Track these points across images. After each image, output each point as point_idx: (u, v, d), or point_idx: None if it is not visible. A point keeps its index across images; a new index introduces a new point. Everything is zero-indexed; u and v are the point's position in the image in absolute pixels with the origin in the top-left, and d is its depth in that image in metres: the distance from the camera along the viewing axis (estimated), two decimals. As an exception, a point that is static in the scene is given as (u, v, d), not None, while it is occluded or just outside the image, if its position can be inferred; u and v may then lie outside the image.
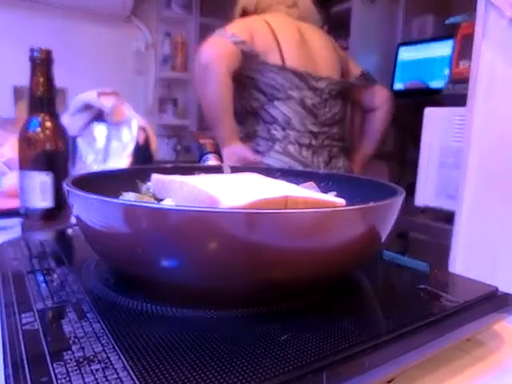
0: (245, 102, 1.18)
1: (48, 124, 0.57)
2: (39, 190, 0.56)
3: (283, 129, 1.14)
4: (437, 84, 1.94)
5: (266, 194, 0.32)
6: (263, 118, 1.15)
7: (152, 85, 2.68)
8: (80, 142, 0.94)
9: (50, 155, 0.57)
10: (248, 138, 1.18)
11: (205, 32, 2.68)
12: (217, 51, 1.01)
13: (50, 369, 0.23)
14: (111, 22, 2.50)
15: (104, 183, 0.42)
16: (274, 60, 1.12)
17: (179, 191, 0.37)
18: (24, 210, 0.57)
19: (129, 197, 0.40)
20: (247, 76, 1.13)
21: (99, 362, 0.23)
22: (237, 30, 1.08)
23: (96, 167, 0.90)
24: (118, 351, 0.24)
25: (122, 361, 0.23)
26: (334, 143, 1.24)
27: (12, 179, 0.83)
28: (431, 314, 0.31)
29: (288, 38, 1.16)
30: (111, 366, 0.23)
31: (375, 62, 2.33)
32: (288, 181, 0.45)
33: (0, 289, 0.33)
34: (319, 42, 1.23)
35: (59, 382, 0.21)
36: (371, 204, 0.30)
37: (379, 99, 1.34)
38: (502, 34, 0.82)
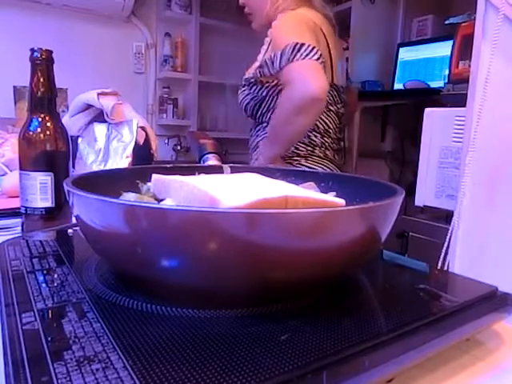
0: None
1: (48, 124, 0.57)
2: (39, 190, 0.56)
3: (322, 136, 1.18)
4: (437, 84, 1.95)
5: (266, 194, 0.32)
6: None
7: (152, 85, 2.68)
8: (80, 142, 0.94)
9: (50, 155, 0.57)
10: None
11: (205, 32, 2.70)
12: (324, 86, 0.97)
13: (51, 368, 0.23)
14: (111, 22, 2.50)
15: (104, 183, 0.42)
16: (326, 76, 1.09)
17: (179, 191, 0.37)
18: (24, 210, 0.57)
19: (129, 197, 0.40)
20: None
21: (99, 361, 0.23)
22: (313, 42, 1.02)
23: (96, 167, 0.90)
24: (118, 351, 0.24)
25: (122, 360, 0.23)
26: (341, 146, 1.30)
27: (12, 179, 0.83)
28: (431, 314, 0.31)
29: (336, 53, 1.17)
30: (111, 366, 0.23)
31: (375, 61, 2.33)
32: (288, 181, 0.45)
33: (0, 289, 0.33)
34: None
35: (59, 381, 0.22)
36: (371, 204, 0.30)
37: (350, 97, 1.38)
38: (502, 34, 0.82)
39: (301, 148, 1.16)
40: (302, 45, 0.97)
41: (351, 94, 1.41)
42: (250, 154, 1.27)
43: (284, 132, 1.05)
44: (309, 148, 1.17)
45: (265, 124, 1.19)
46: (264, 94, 1.15)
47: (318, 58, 0.98)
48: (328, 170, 1.17)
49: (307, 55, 0.97)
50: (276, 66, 1.01)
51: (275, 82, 1.12)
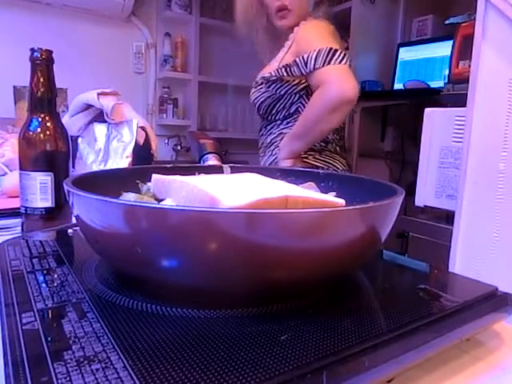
0: (302, 104, 1.23)
1: (48, 124, 0.57)
2: (39, 190, 0.56)
3: (333, 133, 1.25)
4: (437, 84, 1.95)
5: (266, 194, 0.32)
6: None
7: (152, 85, 2.68)
8: (80, 142, 0.94)
9: (50, 155, 0.57)
10: None
11: (205, 32, 2.70)
12: (357, 89, 1.06)
13: (51, 368, 0.23)
14: (111, 22, 2.50)
15: (104, 183, 0.42)
16: None
17: (179, 191, 0.37)
18: (24, 210, 0.57)
19: (129, 197, 0.40)
20: None
21: (99, 361, 0.23)
22: (342, 49, 1.11)
23: (96, 167, 0.90)
24: (118, 351, 0.24)
25: (122, 360, 0.23)
26: None
27: (12, 179, 0.83)
28: (431, 314, 0.31)
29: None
30: (111, 366, 0.23)
31: (375, 61, 2.33)
32: (288, 181, 0.45)
33: (0, 289, 0.33)
34: None
35: (59, 381, 0.22)
36: (371, 204, 0.30)
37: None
38: (502, 34, 0.82)
39: (315, 143, 1.23)
40: (336, 50, 1.05)
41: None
42: (261, 152, 1.33)
43: (314, 128, 1.10)
44: (322, 143, 1.24)
45: (279, 122, 1.24)
46: (282, 92, 1.20)
47: (350, 65, 1.09)
48: (340, 164, 1.24)
49: (341, 60, 1.06)
50: (310, 66, 1.06)
51: (296, 81, 1.17)
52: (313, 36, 1.13)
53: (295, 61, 1.11)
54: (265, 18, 1.29)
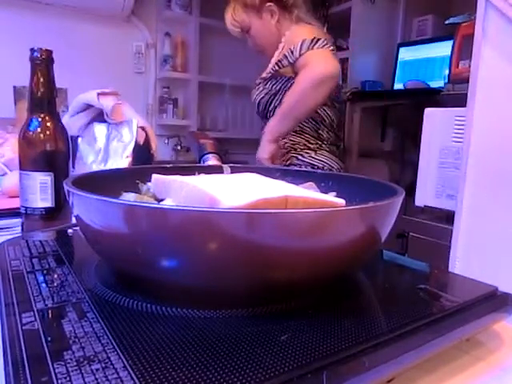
0: None
1: (48, 124, 0.57)
2: (39, 190, 0.56)
3: (328, 131, 1.29)
4: (437, 84, 1.94)
5: (266, 194, 0.32)
6: (313, 117, 1.27)
7: (152, 85, 2.68)
8: (80, 142, 0.94)
9: (50, 155, 0.57)
10: (294, 132, 1.28)
11: (205, 32, 2.70)
12: (338, 68, 1.15)
13: (51, 368, 0.23)
14: (111, 22, 2.50)
15: (104, 183, 0.42)
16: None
17: (179, 191, 0.37)
18: (24, 210, 0.57)
19: (129, 197, 0.40)
20: None
21: (99, 361, 0.23)
22: (330, 42, 1.21)
23: (96, 167, 0.90)
24: (118, 351, 0.24)
25: (122, 360, 0.23)
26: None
27: (12, 179, 0.83)
28: (431, 314, 0.31)
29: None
30: (111, 366, 0.23)
31: (375, 61, 2.33)
32: (288, 181, 0.45)
33: (0, 289, 0.33)
34: None
35: (59, 381, 0.22)
36: (371, 204, 0.30)
37: None
38: (502, 34, 0.82)
39: (311, 141, 1.28)
40: (319, 39, 1.14)
41: None
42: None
43: (298, 106, 1.16)
44: (318, 142, 1.28)
45: None
46: (278, 87, 1.26)
47: (333, 50, 1.18)
48: (335, 163, 1.28)
49: (324, 46, 1.15)
50: (296, 53, 1.15)
51: (289, 75, 1.24)
52: (300, 33, 1.22)
53: (285, 54, 1.20)
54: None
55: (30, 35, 2.19)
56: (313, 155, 1.26)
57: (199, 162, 0.89)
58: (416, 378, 0.29)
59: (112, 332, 0.26)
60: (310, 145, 1.27)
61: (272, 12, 1.27)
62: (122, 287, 0.33)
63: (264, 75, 1.31)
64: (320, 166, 1.25)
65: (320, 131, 1.28)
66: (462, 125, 0.96)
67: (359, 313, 0.32)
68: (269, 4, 1.27)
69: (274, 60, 1.29)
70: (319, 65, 1.12)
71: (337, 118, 1.32)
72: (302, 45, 1.15)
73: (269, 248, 0.28)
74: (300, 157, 1.26)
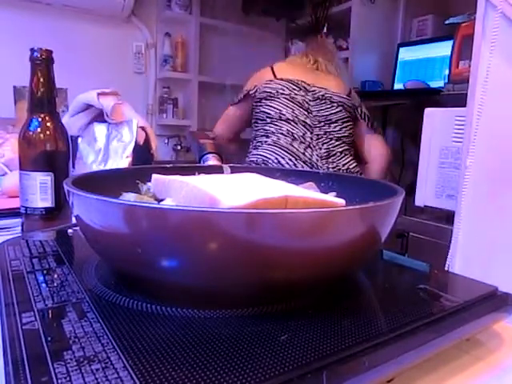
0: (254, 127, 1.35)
1: (48, 124, 0.57)
2: (39, 190, 0.56)
3: (276, 121, 1.25)
4: (437, 84, 1.94)
5: (266, 194, 0.32)
6: (259, 118, 1.27)
7: (152, 85, 2.68)
8: (80, 141, 0.94)
9: (50, 155, 0.57)
10: (251, 143, 1.31)
11: (205, 32, 2.70)
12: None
13: (51, 368, 0.23)
14: (111, 22, 2.50)
15: (104, 183, 0.42)
16: (267, 79, 1.31)
17: (179, 191, 0.37)
18: (24, 210, 0.57)
19: (129, 197, 0.40)
20: (254, 107, 1.33)
21: (99, 361, 0.23)
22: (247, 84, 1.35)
23: (96, 167, 0.90)
24: (118, 351, 0.24)
25: (122, 360, 0.23)
26: (333, 141, 1.26)
27: (12, 179, 0.83)
28: (431, 314, 0.31)
29: (284, 69, 1.34)
30: (111, 366, 0.23)
31: (375, 61, 2.32)
32: (288, 181, 0.45)
33: (0, 289, 0.33)
34: (329, 82, 1.36)
35: (59, 381, 0.22)
36: (371, 204, 0.30)
37: (374, 153, 1.40)
38: (502, 34, 0.82)
39: (258, 140, 1.27)
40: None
41: (373, 147, 1.42)
42: None
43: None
44: (264, 139, 1.26)
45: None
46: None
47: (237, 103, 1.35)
48: (278, 157, 1.22)
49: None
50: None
51: None
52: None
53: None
54: None
55: (30, 35, 2.18)
56: (254, 152, 1.26)
57: (199, 162, 0.89)
58: (416, 377, 0.29)
59: (112, 332, 0.26)
60: (255, 143, 1.29)
61: None
62: (122, 287, 0.33)
63: None
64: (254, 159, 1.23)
65: (266, 127, 1.27)
66: (462, 125, 0.96)
67: (359, 313, 0.32)
68: None
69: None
70: None
71: (288, 105, 1.26)
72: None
73: (269, 248, 0.28)
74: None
